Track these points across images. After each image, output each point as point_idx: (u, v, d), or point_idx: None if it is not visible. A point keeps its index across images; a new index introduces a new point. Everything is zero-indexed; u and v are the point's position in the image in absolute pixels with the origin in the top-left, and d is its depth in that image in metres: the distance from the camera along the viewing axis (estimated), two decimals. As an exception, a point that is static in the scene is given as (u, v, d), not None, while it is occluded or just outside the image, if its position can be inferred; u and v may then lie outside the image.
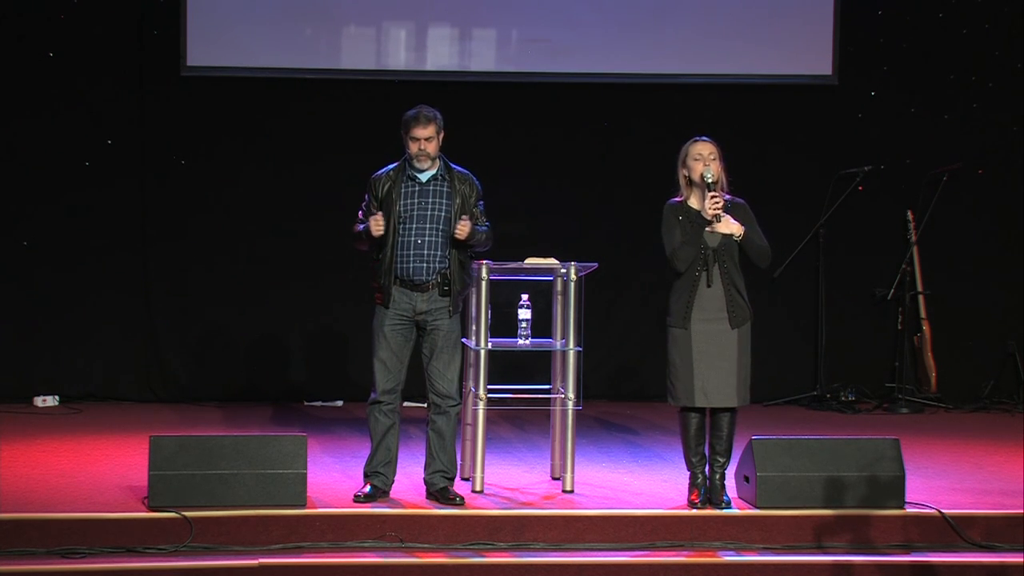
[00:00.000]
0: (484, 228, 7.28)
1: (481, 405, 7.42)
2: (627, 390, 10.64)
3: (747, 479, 7.23)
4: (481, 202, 7.30)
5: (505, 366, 7.77)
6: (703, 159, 7.04)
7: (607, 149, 10.65)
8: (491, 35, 10.58)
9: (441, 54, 10.52)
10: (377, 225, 7.11)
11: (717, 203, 6.98)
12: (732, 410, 7.10)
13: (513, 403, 7.77)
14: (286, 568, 6.52)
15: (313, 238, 10.35)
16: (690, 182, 7.10)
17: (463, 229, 7.10)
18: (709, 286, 7.03)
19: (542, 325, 7.56)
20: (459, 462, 7.50)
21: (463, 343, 7.39)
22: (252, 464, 6.94)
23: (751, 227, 7.08)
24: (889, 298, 10.57)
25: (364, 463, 7.27)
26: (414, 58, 10.52)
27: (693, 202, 7.10)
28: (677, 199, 7.16)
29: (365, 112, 10.37)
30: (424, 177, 7.22)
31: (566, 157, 10.62)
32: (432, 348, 7.21)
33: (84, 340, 10.36)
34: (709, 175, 7.00)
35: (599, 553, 6.77)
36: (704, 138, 7.13)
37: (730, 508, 7.08)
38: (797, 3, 10.65)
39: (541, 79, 10.54)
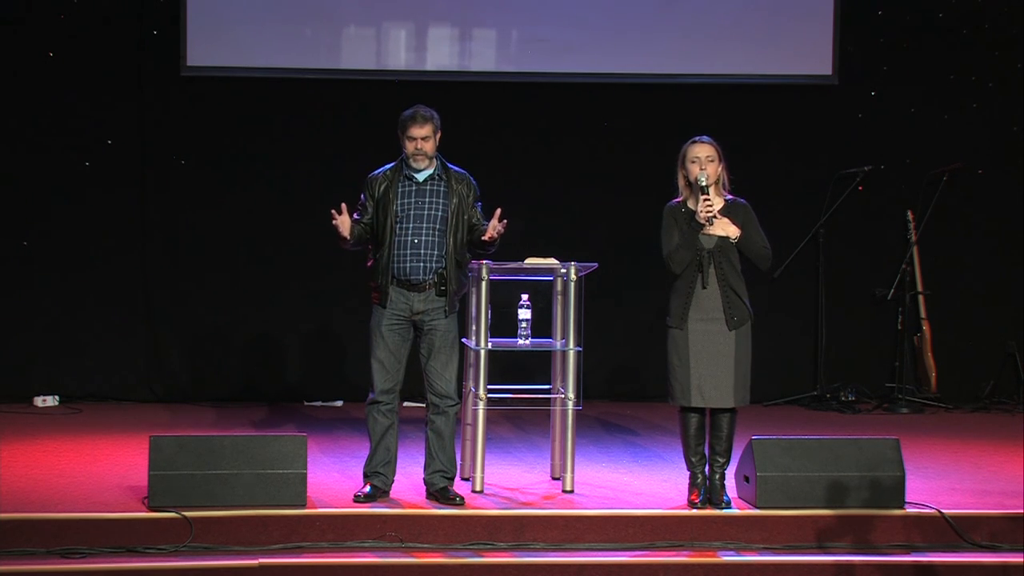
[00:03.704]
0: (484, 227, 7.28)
1: (481, 405, 7.42)
2: (627, 390, 10.64)
3: (747, 479, 7.23)
4: (479, 202, 7.30)
5: (505, 366, 7.77)
6: (699, 162, 7.04)
7: (607, 149, 10.65)
8: (491, 35, 10.58)
9: (441, 54, 10.52)
10: (343, 226, 7.09)
11: (709, 207, 6.98)
12: (732, 410, 7.10)
13: (513, 403, 7.77)
14: (286, 568, 6.52)
15: (312, 238, 10.32)
16: (689, 183, 7.10)
17: (498, 228, 7.08)
18: (704, 288, 7.02)
19: (542, 325, 7.56)
20: (459, 462, 7.50)
21: (462, 343, 7.39)
22: (252, 464, 6.94)
23: (751, 228, 7.07)
24: (889, 298, 10.56)
25: (363, 463, 7.27)
26: (414, 58, 10.52)
27: (692, 204, 7.09)
28: (677, 200, 7.16)
29: (365, 112, 10.37)
30: (421, 177, 7.21)
31: (566, 157, 10.62)
32: (430, 348, 7.21)
33: (84, 340, 10.36)
34: (703, 179, 6.99)
35: (599, 553, 6.77)
36: (703, 138, 7.12)
37: (730, 508, 7.07)
38: (797, 3, 10.65)
39: (541, 79, 10.54)
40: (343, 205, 7.13)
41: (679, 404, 7.10)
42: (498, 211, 7.14)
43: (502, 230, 7.14)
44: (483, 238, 7.16)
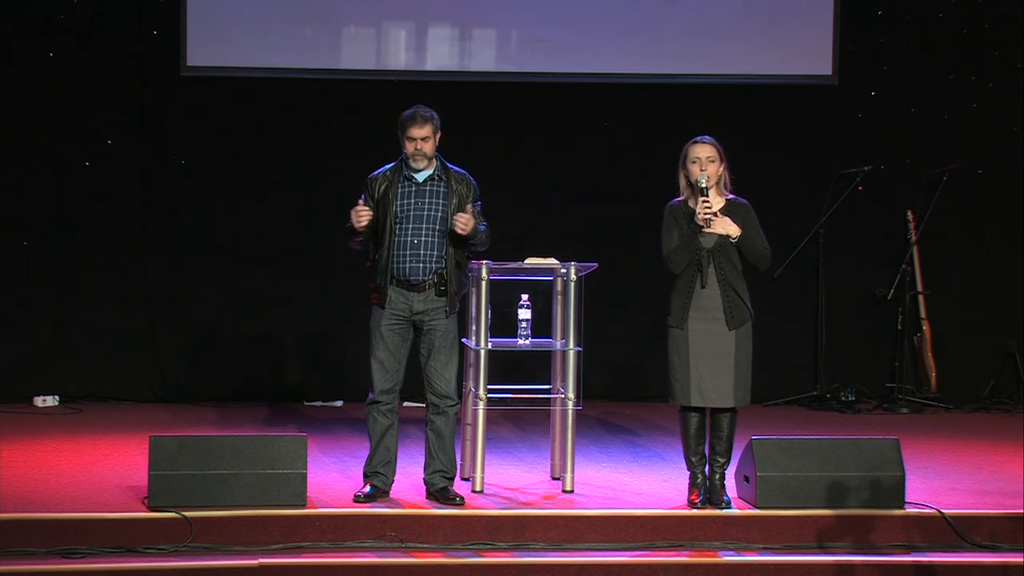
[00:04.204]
0: (482, 228, 7.28)
1: (481, 405, 7.42)
2: (628, 390, 10.63)
3: (747, 479, 7.22)
4: (479, 202, 7.30)
5: (505, 366, 7.77)
6: (700, 162, 7.03)
7: (607, 149, 10.65)
8: (491, 35, 10.58)
9: (441, 54, 10.52)
10: (358, 217, 7.08)
11: (708, 208, 6.97)
12: (732, 410, 7.10)
13: (513, 403, 7.77)
14: (286, 568, 6.52)
15: (313, 238, 10.35)
16: (690, 183, 7.10)
17: (466, 224, 7.07)
18: (704, 287, 7.02)
19: (542, 325, 7.56)
20: (459, 462, 7.50)
21: (462, 343, 7.39)
22: (252, 464, 6.94)
23: (751, 229, 7.07)
24: (889, 298, 10.56)
25: (363, 463, 7.27)
26: (414, 58, 10.52)
27: (693, 203, 7.09)
28: (678, 200, 7.16)
29: (365, 112, 10.37)
30: (421, 177, 7.21)
31: (566, 157, 10.62)
32: (429, 348, 7.21)
33: (84, 340, 10.36)
34: (703, 180, 6.99)
35: (599, 553, 6.77)
36: (705, 139, 7.11)
37: (730, 508, 7.07)
38: (797, 3, 10.64)
39: (541, 79, 10.54)
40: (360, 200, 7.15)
41: (679, 404, 7.10)
42: (468, 207, 7.12)
43: (468, 218, 7.09)
44: (455, 230, 7.12)
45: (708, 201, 6.98)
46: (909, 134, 10.79)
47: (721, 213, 7.03)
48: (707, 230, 7.00)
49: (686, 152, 7.10)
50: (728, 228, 7.02)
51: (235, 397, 10.37)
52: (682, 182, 7.13)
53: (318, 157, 10.42)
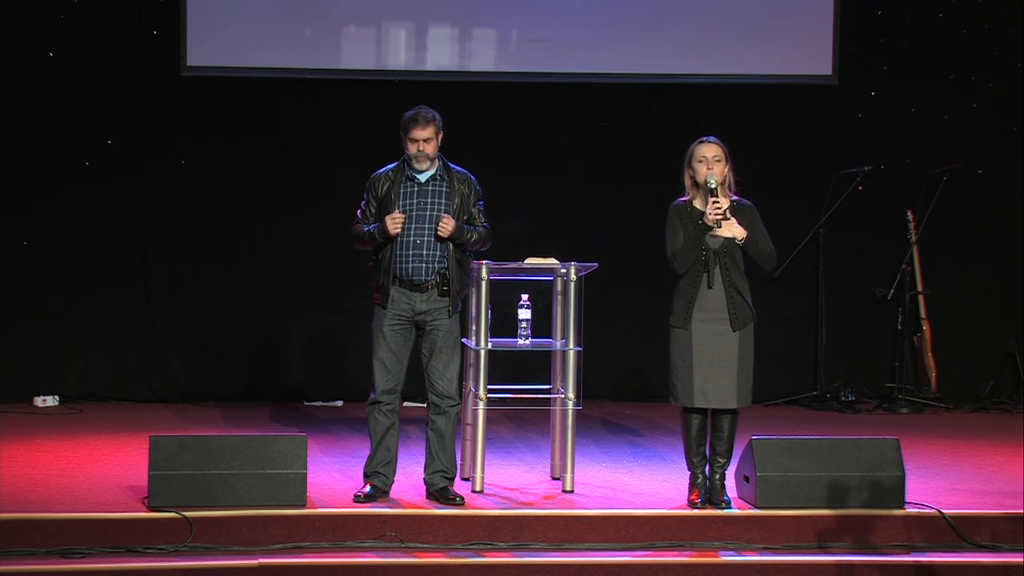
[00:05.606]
0: (482, 228, 7.28)
1: (481, 405, 7.42)
2: (631, 390, 10.63)
3: (747, 479, 7.23)
4: (481, 202, 7.30)
5: (505, 366, 7.77)
6: (707, 162, 7.02)
7: (607, 149, 10.65)
8: (491, 35, 10.58)
9: (441, 54, 10.53)
10: (395, 224, 7.10)
11: (718, 209, 6.96)
12: (734, 411, 7.10)
13: (513, 403, 7.77)
14: (286, 568, 6.52)
15: (313, 238, 10.35)
16: (695, 183, 7.08)
17: (445, 226, 7.10)
18: (710, 288, 7.02)
19: (542, 325, 7.56)
20: (459, 462, 7.50)
21: (463, 343, 7.39)
22: (252, 464, 6.94)
23: (756, 229, 7.06)
24: (889, 298, 10.57)
25: (364, 463, 7.27)
26: (414, 58, 10.52)
27: (698, 203, 7.07)
28: (682, 200, 7.14)
29: (365, 112, 10.37)
30: (423, 177, 7.21)
31: (566, 157, 10.62)
32: (431, 348, 7.21)
33: (84, 340, 10.36)
34: (712, 181, 6.97)
35: (599, 553, 6.77)
36: (711, 138, 7.10)
37: (730, 508, 7.07)
38: (797, 3, 10.65)
39: (541, 79, 10.54)
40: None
41: (681, 404, 7.09)
42: (447, 216, 7.14)
43: (449, 220, 7.11)
44: (437, 232, 7.14)
45: (718, 201, 6.96)
46: (909, 134, 10.79)
47: (728, 214, 7.02)
48: (718, 230, 6.98)
49: (692, 152, 7.09)
50: (734, 231, 7.00)
51: (235, 397, 10.37)
52: (687, 182, 7.12)
53: (318, 157, 10.41)
